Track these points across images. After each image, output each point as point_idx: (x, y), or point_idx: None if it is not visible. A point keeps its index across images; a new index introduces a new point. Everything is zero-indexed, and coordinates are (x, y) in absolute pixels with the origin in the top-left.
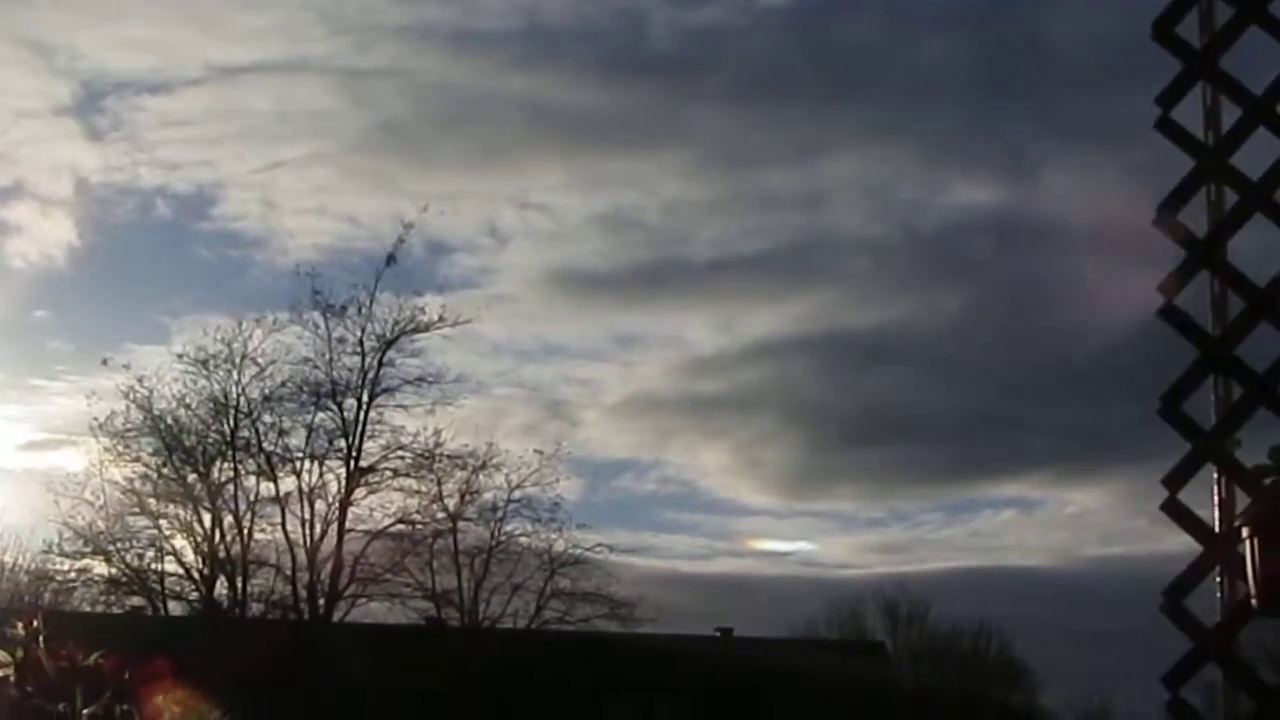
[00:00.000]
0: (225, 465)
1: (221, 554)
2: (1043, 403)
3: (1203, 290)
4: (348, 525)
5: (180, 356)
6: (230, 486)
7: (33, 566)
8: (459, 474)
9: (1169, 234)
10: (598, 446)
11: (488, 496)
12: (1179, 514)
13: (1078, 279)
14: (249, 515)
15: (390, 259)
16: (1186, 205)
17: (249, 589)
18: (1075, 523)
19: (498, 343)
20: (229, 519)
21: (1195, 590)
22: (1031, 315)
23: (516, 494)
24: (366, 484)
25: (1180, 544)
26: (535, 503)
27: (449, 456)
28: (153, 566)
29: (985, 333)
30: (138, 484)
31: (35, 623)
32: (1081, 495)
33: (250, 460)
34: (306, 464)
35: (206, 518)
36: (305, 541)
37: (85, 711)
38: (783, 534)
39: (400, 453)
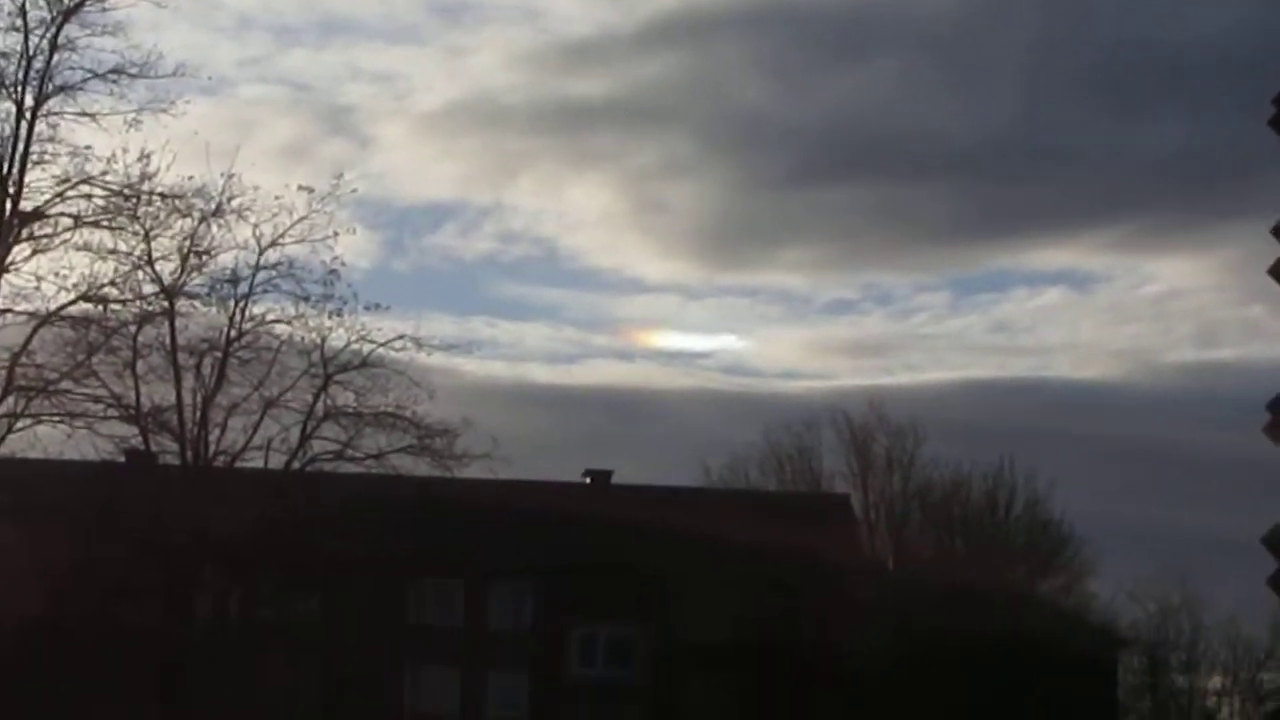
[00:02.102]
0: None
1: None
2: (1108, 115)
3: None
4: (1, 304)
5: None
6: None
7: None
8: (179, 224)
9: None
10: (403, 182)
11: (225, 261)
12: None
13: None
14: None
15: None
16: None
17: None
18: (1157, 310)
19: (246, 11)
20: None
21: None
22: None
23: (271, 257)
24: (31, 239)
25: None
26: (301, 271)
27: (163, 196)
28: None
29: (1022, 7)
30: None
31: None
32: (1168, 267)
33: None
34: None
35: None
36: None
37: None
38: (696, 324)
39: (86, 189)
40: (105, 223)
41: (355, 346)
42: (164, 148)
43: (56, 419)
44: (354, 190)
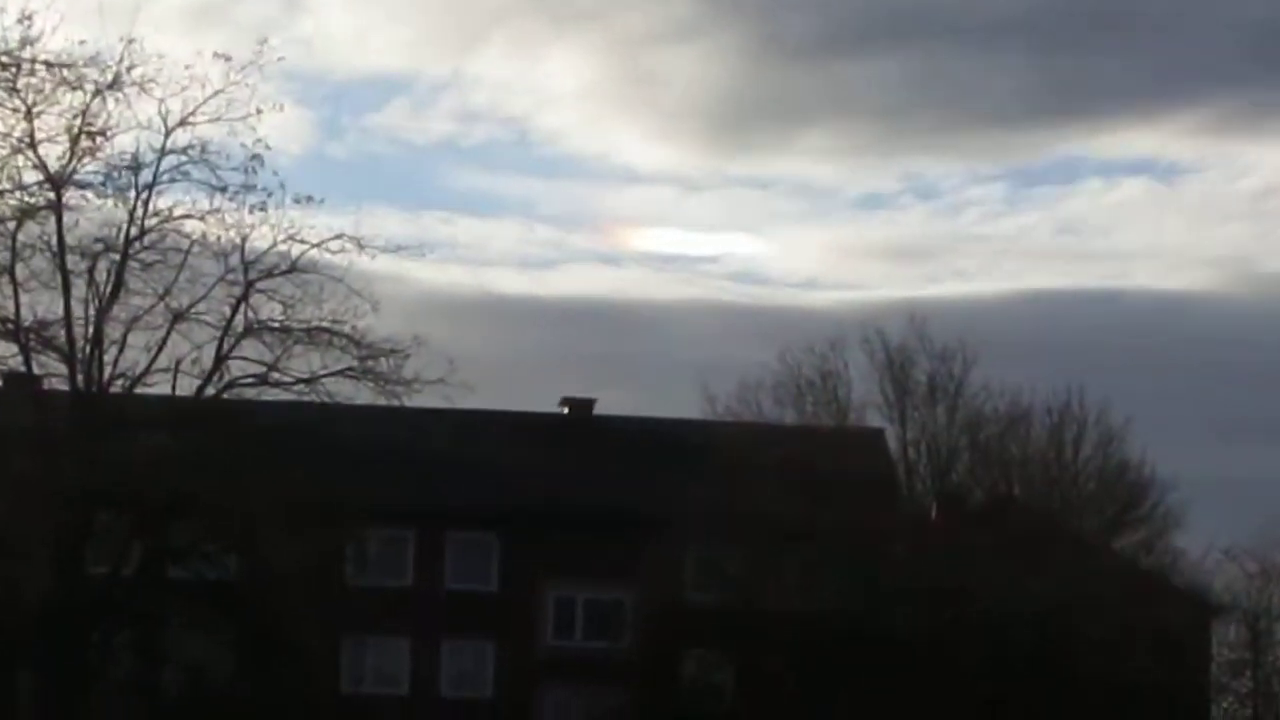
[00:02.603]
0: None
1: None
2: None
3: None
4: None
5: None
6: None
7: None
8: (67, 99)
9: None
10: (341, 48)
11: (124, 143)
12: None
13: None
14: None
15: None
16: None
17: None
18: (1257, 208)
19: None
20: None
21: None
22: None
23: (180, 139)
24: None
25: None
26: (217, 156)
27: (48, 65)
28: None
29: None
30: None
31: None
32: (1272, 155)
33: None
34: None
35: None
36: None
37: None
38: (698, 221)
39: None
40: None
41: (282, 248)
42: (49, 6)
43: None
44: (281, 58)
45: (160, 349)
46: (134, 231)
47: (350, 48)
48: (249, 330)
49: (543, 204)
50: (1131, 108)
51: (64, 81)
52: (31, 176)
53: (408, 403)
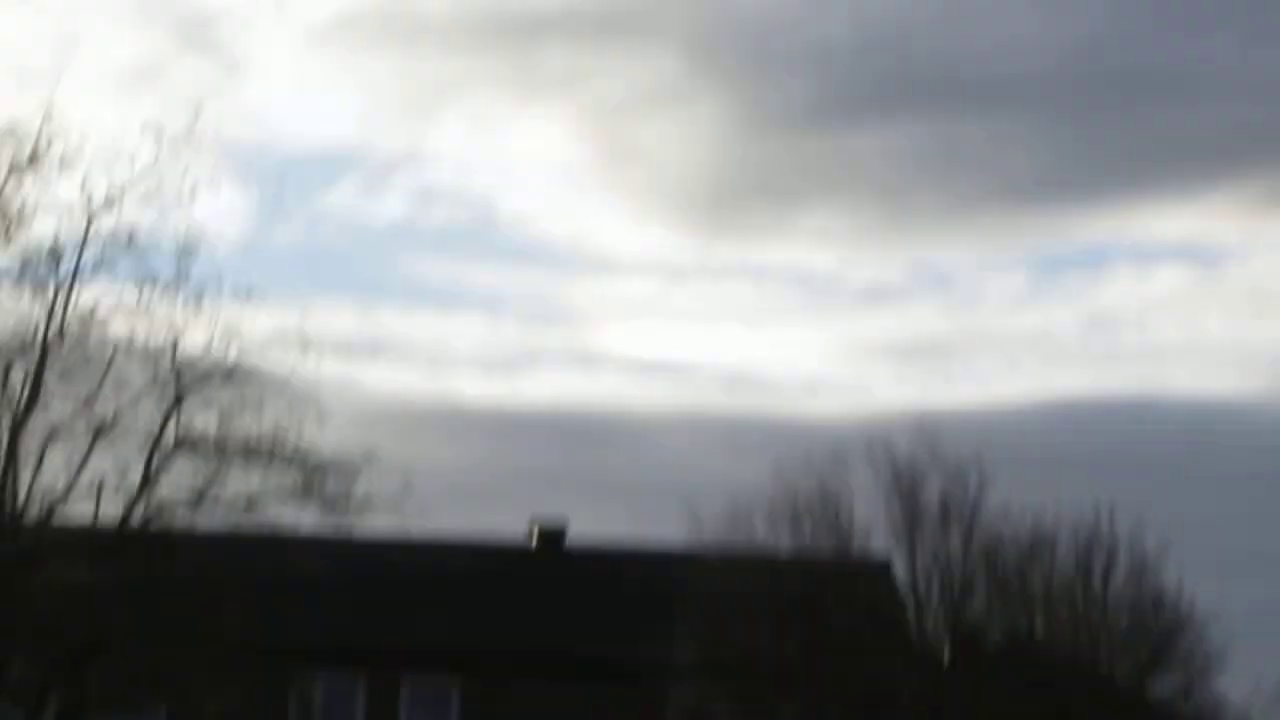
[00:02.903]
0: None
1: None
2: (1241, 28)
3: None
4: None
5: None
6: None
7: None
8: None
9: None
10: (287, 120)
11: (42, 229)
12: None
13: None
14: None
15: None
16: None
17: None
18: None
19: None
20: None
21: None
22: None
23: (106, 224)
24: None
25: None
26: (146, 243)
27: None
28: None
29: None
30: None
31: None
32: None
33: None
34: None
35: None
36: None
37: None
38: (684, 316)
39: None
40: None
41: (219, 349)
42: None
43: None
44: (219, 132)
45: (82, 466)
46: (53, 331)
47: (297, 118)
48: (181, 444)
49: (510, 296)
50: (1169, 183)
51: None
52: None
53: (358, 528)
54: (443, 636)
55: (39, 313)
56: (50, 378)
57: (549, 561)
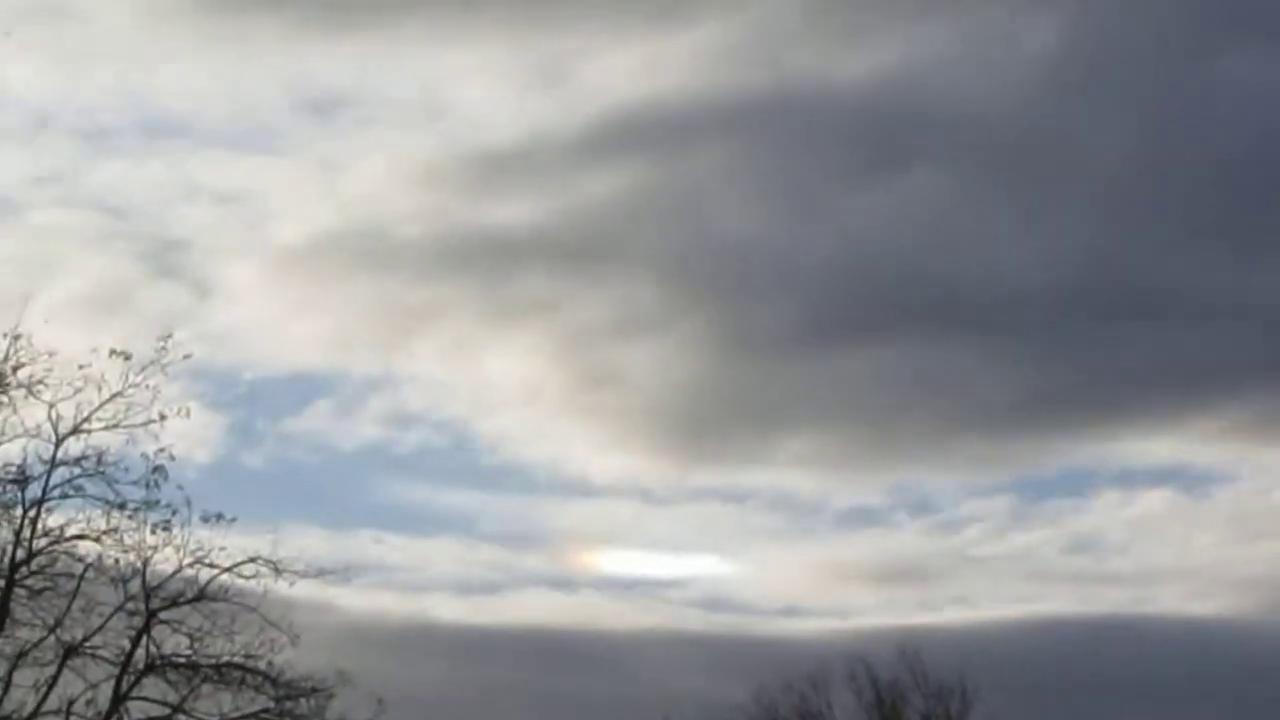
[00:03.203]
0: None
1: None
2: (1225, 252)
3: None
4: None
5: None
6: None
7: None
8: None
9: None
10: (257, 344)
11: (9, 453)
12: None
13: None
14: None
15: None
16: None
17: None
18: None
19: (43, 107)
20: None
21: None
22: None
23: (74, 448)
24: None
25: None
26: (115, 468)
27: None
28: None
29: (1112, 109)
30: None
31: None
32: None
33: None
34: None
35: None
36: None
37: None
38: (662, 540)
39: None
40: None
41: (189, 572)
42: None
43: None
44: (188, 356)
45: (50, 688)
46: (21, 554)
47: (267, 342)
48: (151, 666)
49: (485, 520)
50: (1153, 407)
51: None
52: None
53: None
54: None
55: (6, 534)
56: (18, 600)
57: None
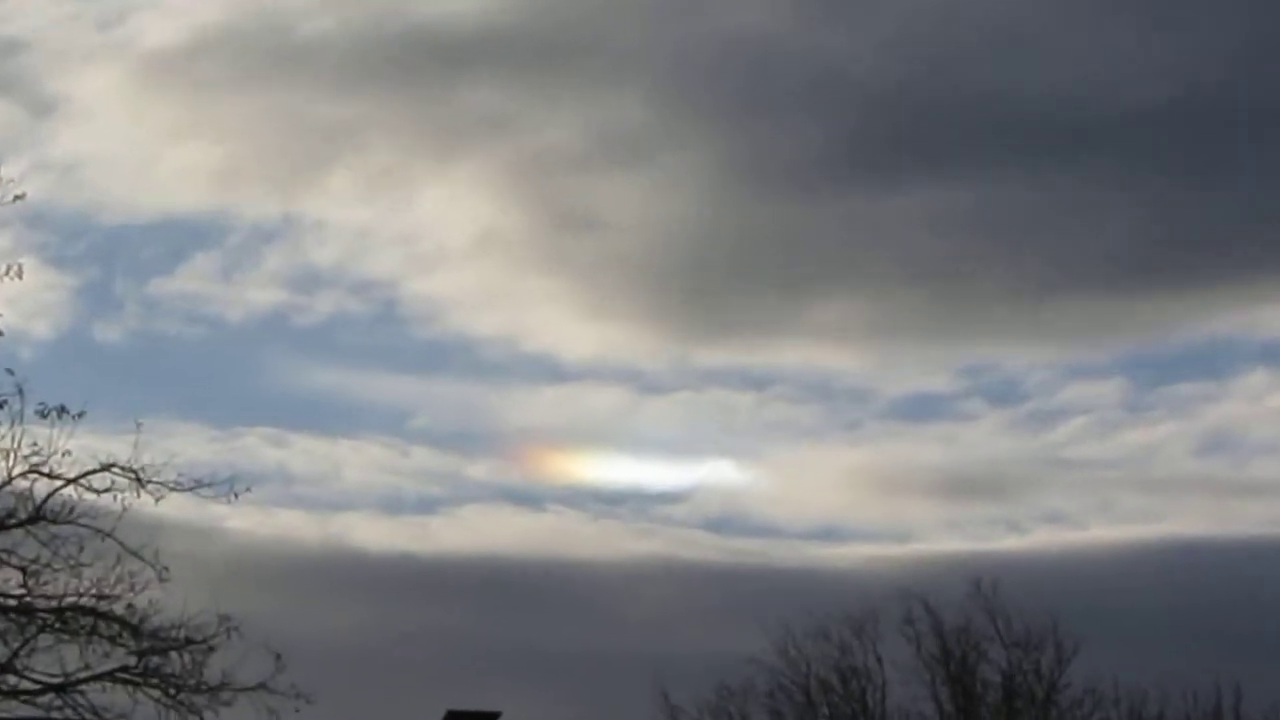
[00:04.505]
0: None
1: None
2: None
3: None
4: None
5: None
6: None
7: None
8: None
9: None
10: (115, 181)
11: None
12: None
13: None
14: None
15: None
16: None
17: None
18: None
19: None
20: None
21: None
22: None
23: None
24: None
25: None
26: None
27: None
28: None
29: None
30: None
31: None
32: None
33: None
34: None
35: None
36: None
37: None
38: (655, 439)
39: None
40: None
41: (21, 484)
42: None
43: None
44: (20, 196)
45: None
46: None
47: (129, 177)
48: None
49: (420, 414)
50: None
51: None
52: None
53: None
54: None
55: None
56: None
57: None
